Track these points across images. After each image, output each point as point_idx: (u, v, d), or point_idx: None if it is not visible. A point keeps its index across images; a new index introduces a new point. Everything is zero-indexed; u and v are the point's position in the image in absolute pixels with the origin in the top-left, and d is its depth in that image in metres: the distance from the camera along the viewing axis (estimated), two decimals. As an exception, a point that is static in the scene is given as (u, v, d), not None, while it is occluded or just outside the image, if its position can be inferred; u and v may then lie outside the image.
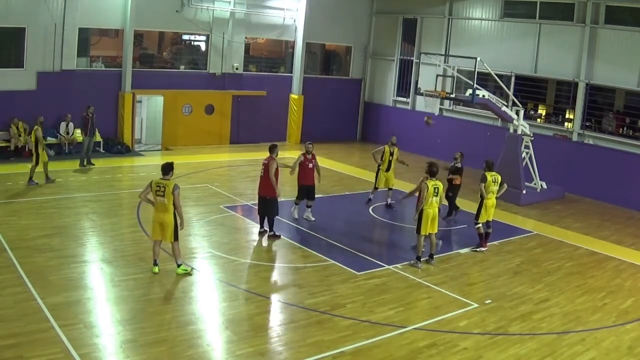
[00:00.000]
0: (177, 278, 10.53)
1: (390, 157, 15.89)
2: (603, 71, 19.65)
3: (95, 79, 20.65)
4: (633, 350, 9.18)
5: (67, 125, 19.67)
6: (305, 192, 14.31)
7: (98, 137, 20.08)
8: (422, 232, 11.93)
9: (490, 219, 13.37)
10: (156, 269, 10.64)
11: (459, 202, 15.72)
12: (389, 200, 16.34)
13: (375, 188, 16.31)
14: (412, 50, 25.53)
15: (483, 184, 13.07)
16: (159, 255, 10.70)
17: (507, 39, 22.25)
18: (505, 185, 13.66)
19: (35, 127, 16.12)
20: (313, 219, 14.36)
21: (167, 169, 10.50)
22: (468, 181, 17.40)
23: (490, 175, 13.25)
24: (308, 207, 14.45)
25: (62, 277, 10.09)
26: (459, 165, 15.29)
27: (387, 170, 15.98)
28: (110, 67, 21.18)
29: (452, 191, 15.31)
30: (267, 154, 12.93)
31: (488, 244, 13.48)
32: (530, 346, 9.04)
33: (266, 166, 12.81)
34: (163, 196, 10.28)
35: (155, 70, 22.20)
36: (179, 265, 10.69)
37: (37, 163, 15.95)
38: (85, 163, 18.26)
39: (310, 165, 14.18)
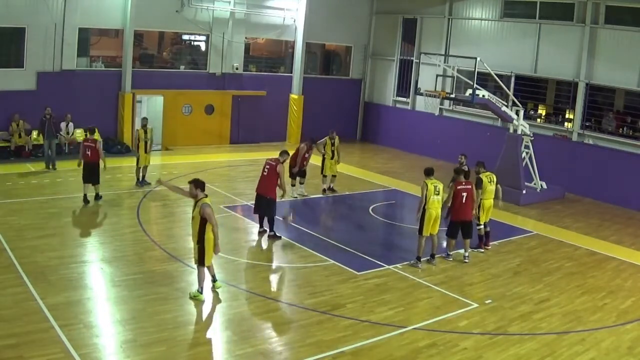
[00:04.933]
0: (176, 278, 10.53)
1: (333, 147, 17.17)
2: (603, 71, 19.63)
3: (95, 79, 20.64)
4: (633, 350, 9.18)
5: (67, 125, 19.60)
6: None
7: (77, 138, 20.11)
8: (424, 233, 11.92)
9: (487, 220, 13.37)
10: (219, 284, 10.15)
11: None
12: (331, 185, 17.63)
13: (324, 176, 17.38)
14: (412, 50, 25.51)
15: (480, 190, 12.95)
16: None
17: (507, 39, 22.23)
18: (500, 186, 13.60)
19: (137, 128, 16.40)
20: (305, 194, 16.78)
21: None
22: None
23: (485, 176, 13.22)
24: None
25: (62, 277, 10.08)
26: (465, 167, 15.18)
27: (332, 158, 17.22)
28: (110, 67, 21.15)
29: None
30: (268, 154, 12.95)
31: (490, 243, 13.50)
32: (530, 346, 9.03)
33: (272, 167, 12.91)
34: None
35: (155, 70, 22.17)
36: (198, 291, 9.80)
37: (138, 162, 16.16)
38: (50, 166, 17.69)
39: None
